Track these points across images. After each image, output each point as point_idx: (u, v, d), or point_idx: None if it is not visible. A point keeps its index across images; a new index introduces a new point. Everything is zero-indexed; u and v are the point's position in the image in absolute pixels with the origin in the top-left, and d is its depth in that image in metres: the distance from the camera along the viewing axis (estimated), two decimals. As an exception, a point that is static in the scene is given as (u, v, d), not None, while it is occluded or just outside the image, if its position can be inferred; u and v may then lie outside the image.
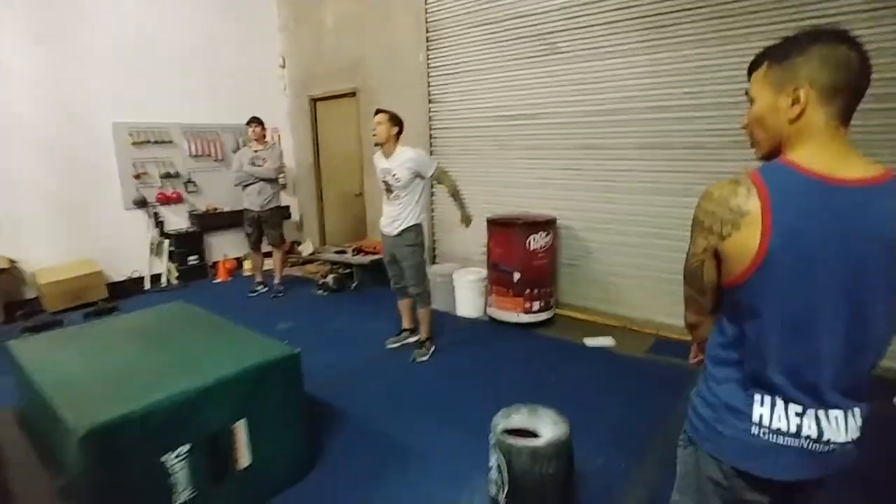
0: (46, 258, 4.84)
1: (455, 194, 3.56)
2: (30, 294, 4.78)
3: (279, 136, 6.73)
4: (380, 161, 3.47)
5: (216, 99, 6.00)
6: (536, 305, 4.13)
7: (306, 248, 6.38)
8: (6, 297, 4.58)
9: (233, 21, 6.13)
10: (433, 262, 5.40)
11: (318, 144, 6.67)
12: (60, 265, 4.88)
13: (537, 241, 4.03)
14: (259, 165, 4.89)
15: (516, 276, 4.07)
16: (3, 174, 4.57)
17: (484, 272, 4.44)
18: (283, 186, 6.83)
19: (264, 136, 5.06)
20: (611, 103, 4.02)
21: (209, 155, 6.04)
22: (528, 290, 4.08)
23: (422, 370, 3.50)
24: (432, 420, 2.84)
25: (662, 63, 3.73)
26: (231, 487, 2.06)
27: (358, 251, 5.40)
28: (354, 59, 5.81)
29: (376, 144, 3.44)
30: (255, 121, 4.95)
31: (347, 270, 5.42)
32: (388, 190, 3.42)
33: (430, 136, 5.25)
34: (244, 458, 2.10)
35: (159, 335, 2.49)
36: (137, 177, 5.48)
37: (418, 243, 3.47)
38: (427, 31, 5.05)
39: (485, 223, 4.30)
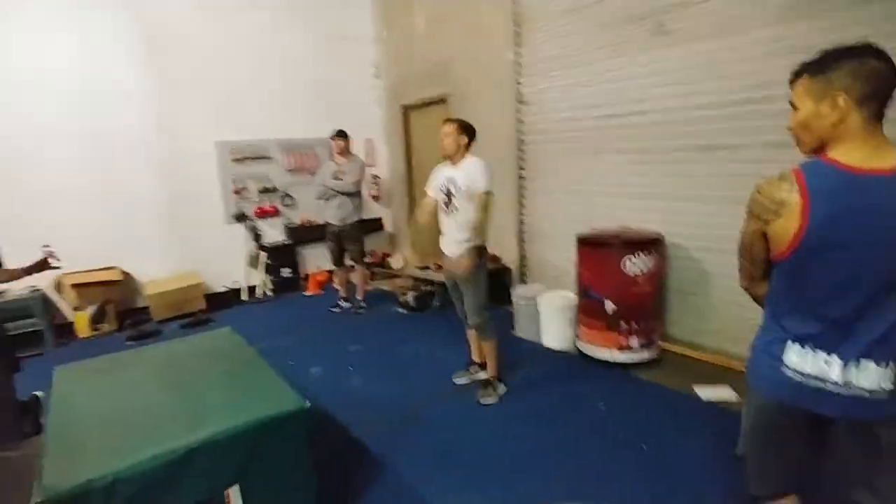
0: (155, 270, 5.19)
1: (475, 225, 2.91)
2: (141, 303, 5.15)
3: (373, 147, 6.67)
4: (444, 170, 3.07)
5: (312, 113, 6.06)
6: (635, 342, 3.41)
7: (396, 262, 6.20)
8: (120, 307, 4.97)
9: (326, 34, 6.15)
10: (522, 281, 4.86)
11: (409, 154, 6.47)
12: (166, 277, 5.21)
13: (636, 263, 3.32)
14: (340, 179, 4.76)
15: (609, 305, 3.39)
16: (122, 192, 4.99)
17: (575, 297, 3.81)
18: (377, 198, 6.78)
19: (348, 150, 4.92)
20: (737, 92, 3.17)
21: (305, 169, 6.13)
22: (624, 323, 3.38)
23: (486, 416, 3.00)
24: (485, 489, 2.34)
25: (816, 33, 2.81)
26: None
27: (440, 268, 5.03)
28: (444, 64, 5.49)
29: (444, 157, 3.05)
30: (339, 134, 4.83)
31: (430, 288, 5.09)
32: (448, 202, 3.00)
33: (518, 142, 4.72)
34: (239, 531, 1.82)
35: (181, 372, 2.33)
36: (237, 192, 5.71)
37: (480, 265, 2.99)
38: (515, 25, 4.54)
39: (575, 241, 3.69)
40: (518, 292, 4.23)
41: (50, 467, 1.63)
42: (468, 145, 3.00)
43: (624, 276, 3.33)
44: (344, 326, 4.76)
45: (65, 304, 4.81)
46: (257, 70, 5.69)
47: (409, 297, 4.97)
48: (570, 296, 3.89)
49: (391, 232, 6.95)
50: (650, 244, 3.39)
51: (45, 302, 4.60)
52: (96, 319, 4.78)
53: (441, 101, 5.66)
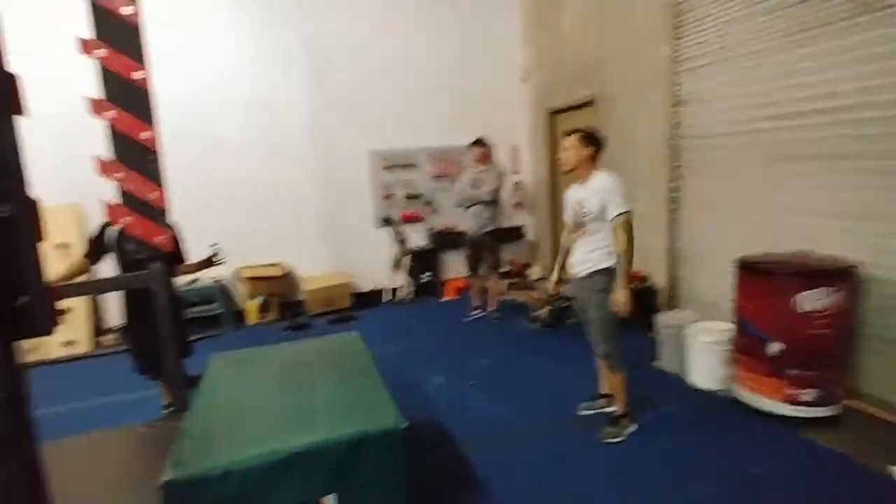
0: (311, 267, 5.75)
1: (623, 255, 2.61)
2: (299, 297, 5.74)
3: (518, 154, 6.54)
4: (574, 191, 2.84)
5: (456, 119, 6.16)
6: (808, 394, 2.77)
7: (535, 272, 6.00)
8: (282, 299, 5.60)
9: (475, 40, 6.20)
10: (670, 307, 4.32)
11: (554, 161, 6.21)
12: (320, 275, 5.73)
13: (814, 298, 2.69)
14: (477, 188, 4.74)
15: (774, 346, 2.81)
16: (287, 196, 5.63)
17: (731, 330, 3.25)
18: (520, 205, 6.64)
19: (487, 157, 4.88)
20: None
21: (448, 175, 6.26)
22: (793, 370, 2.77)
23: (608, 456, 2.69)
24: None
25: None
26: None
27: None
28: (592, 64, 5.15)
29: (565, 173, 2.83)
30: (477, 143, 4.82)
31: (566, 304, 4.80)
32: (578, 223, 2.77)
33: (672, 149, 4.19)
34: (331, 540, 1.85)
35: (302, 373, 2.47)
36: (386, 198, 6.06)
37: (609, 290, 2.69)
38: (673, 16, 4.04)
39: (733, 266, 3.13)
40: (664, 319, 3.75)
41: (181, 451, 1.82)
42: (593, 157, 2.72)
43: (797, 313, 2.73)
44: (474, 336, 4.73)
45: (240, 294, 5.57)
46: (408, 80, 5.96)
47: (543, 311, 4.74)
48: (725, 328, 3.33)
49: (532, 240, 6.76)
50: (835, 275, 2.72)
51: (225, 291, 5.38)
52: (263, 309, 5.45)
53: (588, 104, 5.33)
